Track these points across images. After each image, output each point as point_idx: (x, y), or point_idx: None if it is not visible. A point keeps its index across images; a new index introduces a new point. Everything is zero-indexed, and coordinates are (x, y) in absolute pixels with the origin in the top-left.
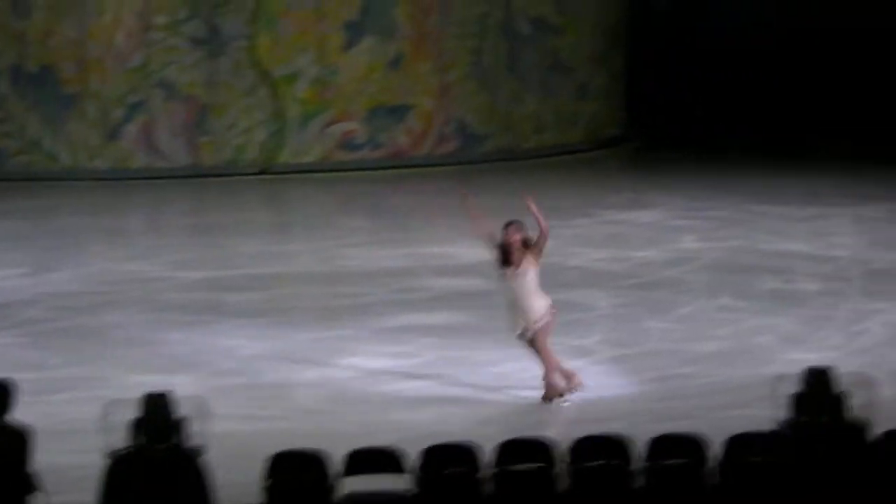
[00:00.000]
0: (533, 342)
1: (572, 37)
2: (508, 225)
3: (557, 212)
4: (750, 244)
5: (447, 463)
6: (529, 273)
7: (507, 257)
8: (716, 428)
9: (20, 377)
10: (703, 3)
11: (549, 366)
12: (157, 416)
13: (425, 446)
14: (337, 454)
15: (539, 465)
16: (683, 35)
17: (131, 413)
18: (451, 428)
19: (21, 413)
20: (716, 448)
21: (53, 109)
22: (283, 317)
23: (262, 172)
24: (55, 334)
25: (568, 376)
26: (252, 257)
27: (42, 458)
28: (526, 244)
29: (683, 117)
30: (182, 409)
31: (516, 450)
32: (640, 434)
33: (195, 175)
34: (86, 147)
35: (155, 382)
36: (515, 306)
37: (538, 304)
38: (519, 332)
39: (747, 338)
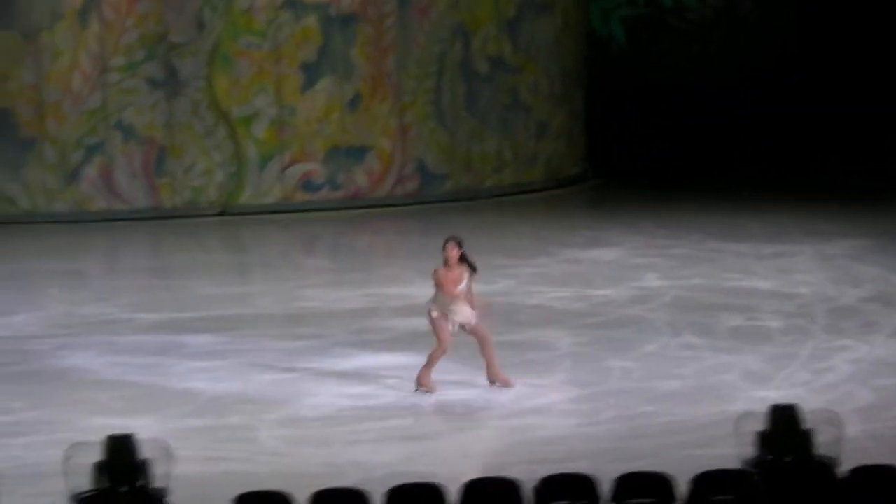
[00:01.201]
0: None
1: (531, 75)
2: (447, 241)
3: (518, 251)
4: (712, 282)
5: (413, 503)
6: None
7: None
8: (680, 467)
9: None
10: (661, 40)
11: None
12: (120, 458)
13: (390, 486)
14: (301, 496)
15: None
16: (642, 73)
17: (94, 456)
18: (415, 467)
19: None
20: (681, 487)
21: (11, 153)
22: (244, 358)
23: (221, 214)
24: (15, 378)
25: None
26: (212, 299)
27: (5, 503)
28: (463, 259)
29: (643, 155)
30: (145, 452)
31: (482, 489)
32: (605, 473)
33: (154, 217)
34: (44, 190)
35: (117, 425)
36: (455, 308)
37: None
38: (458, 327)
39: (711, 376)
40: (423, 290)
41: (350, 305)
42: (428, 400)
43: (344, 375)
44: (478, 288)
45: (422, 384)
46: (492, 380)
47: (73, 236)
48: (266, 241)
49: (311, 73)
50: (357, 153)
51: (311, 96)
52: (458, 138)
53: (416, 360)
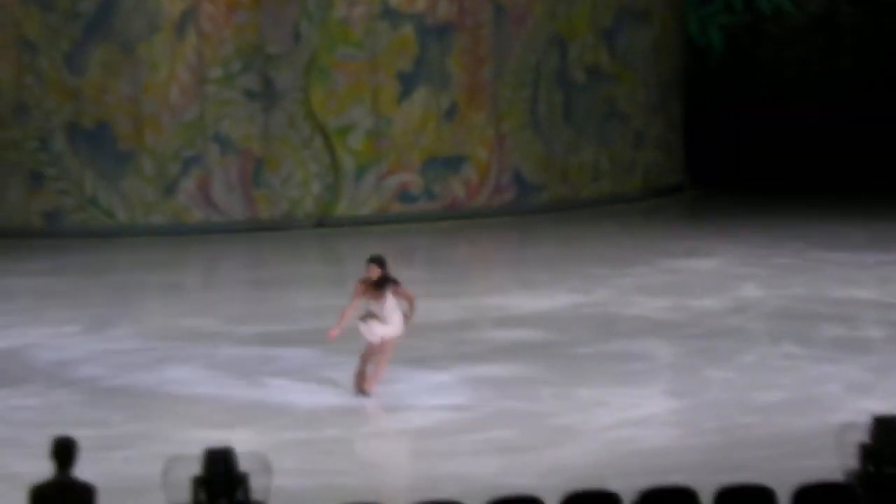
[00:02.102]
0: (381, 348)
1: (628, 85)
2: (371, 261)
3: (616, 261)
4: (813, 291)
5: None
6: (389, 300)
7: (368, 288)
8: (781, 479)
9: (80, 434)
10: (759, 48)
11: (382, 367)
12: (218, 472)
13: (488, 499)
14: None
15: None
16: (740, 81)
17: (193, 469)
18: (513, 480)
19: (82, 471)
20: (782, 500)
21: (109, 166)
22: (342, 370)
23: (318, 224)
24: (114, 391)
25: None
26: (310, 311)
27: None
28: (385, 280)
29: (742, 164)
30: (244, 465)
31: (581, 502)
32: (705, 485)
33: (251, 229)
34: (142, 203)
35: (215, 438)
36: (376, 319)
37: (397, 319)
38: (377, 338)
39: (812, 386)
40: (522, 301)
41: (447, 317)
42: (526, 411)
43: (441, 387)
44: (577, 298)
45: (361, 388)
46: (360, 387)
47: (170, 249)
48: (362, 253)
49: (407, 83)
50: (453, 163)
51: (408, 106)
52: (554, 148)
53: (515, 371)
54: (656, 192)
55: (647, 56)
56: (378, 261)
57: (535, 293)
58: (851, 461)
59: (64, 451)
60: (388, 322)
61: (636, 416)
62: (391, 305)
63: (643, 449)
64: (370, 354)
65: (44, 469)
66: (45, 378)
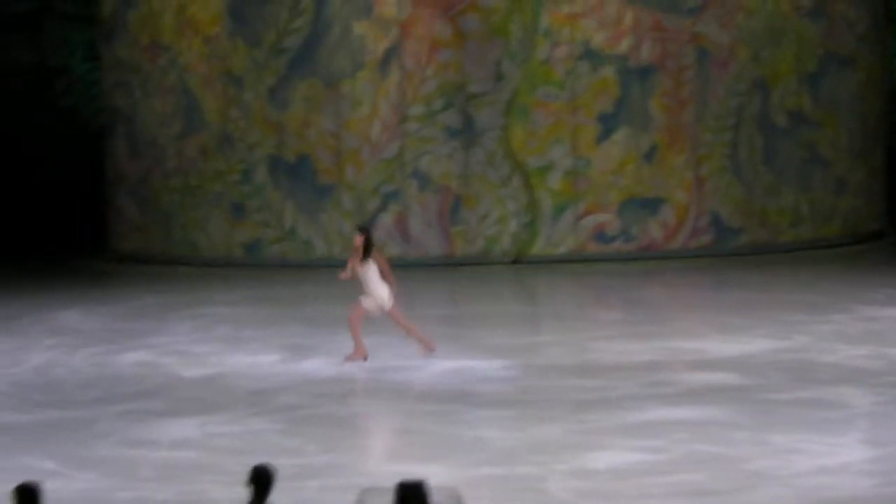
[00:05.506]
0: (390, 316)
1: (830, 130)
2: (357, 229)
3: (814, 307)
4: None
5: None
6: (372, 267)
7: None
8: None
9: (276, 462)
10: None
11: (412, 329)
12: None
13: None
14: None
15: None
16: None
17: (385, 501)
18: None
19: (277, 499)
20: None
21: (309, 199)
22: (534, 408)
23: (514, 262)
24: (310, 421)
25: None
26: (503, 348)
27: None
28: (367, 246)
29: None
30: (436, 499)
31: None
32: None
33: (448, 265)
34: (340, 236)
35: (408, 471)
36: (367, 290)
37: (382, 290)
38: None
39: None
40: (717, 345)
41: (642, 358)
42: (719, 455)
43: (634, 428)
44: (773, 343)
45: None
46: (421, 346)
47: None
48: (558, 292)
49: (607, 123)
50: (652, 205)
51: (607, 147)
52: (754, 192)
53: (708, 414)
54: (856, 239)
55: (851, 101)
56: (362, 228)
57: (730, 337)
58: None
59: (262, 478)
60: (378, 291)
61: (831, 464)
62: (376, 276)
63: (838, 497)
64: (399, 324)
65: (240, 496)
66: (243, 406)
